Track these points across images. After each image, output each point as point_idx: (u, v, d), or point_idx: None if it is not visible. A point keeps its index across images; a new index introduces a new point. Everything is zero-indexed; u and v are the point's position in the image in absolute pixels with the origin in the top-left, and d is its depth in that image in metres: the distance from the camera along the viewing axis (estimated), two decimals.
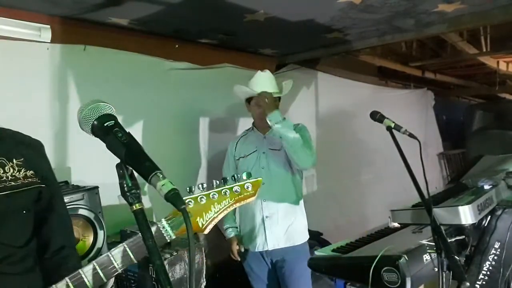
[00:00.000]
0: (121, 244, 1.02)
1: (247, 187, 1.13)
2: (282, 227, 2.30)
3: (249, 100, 2.39)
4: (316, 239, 3.25)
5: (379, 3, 2.30)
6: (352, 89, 4.56)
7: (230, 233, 2.42)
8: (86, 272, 0.99)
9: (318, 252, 1.73)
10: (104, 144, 0.87)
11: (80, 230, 1.94)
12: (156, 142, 2.72)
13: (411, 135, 1.58)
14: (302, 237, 2.36)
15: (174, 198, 0.76)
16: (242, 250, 2.40)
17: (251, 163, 2.34)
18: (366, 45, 3.32)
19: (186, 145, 3.04)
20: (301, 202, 2.40)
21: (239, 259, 2.42)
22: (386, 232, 1.84)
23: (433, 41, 4.85)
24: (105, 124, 0.88)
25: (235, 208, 2.05)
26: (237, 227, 2.45)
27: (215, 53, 3.21)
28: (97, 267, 0.99)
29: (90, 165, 2.33)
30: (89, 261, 1.07)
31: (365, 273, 1.39)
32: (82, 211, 1.94)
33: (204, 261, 2.12)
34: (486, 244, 1.79)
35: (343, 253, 1.63)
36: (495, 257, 1.77)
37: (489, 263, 1.76)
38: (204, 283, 2.11)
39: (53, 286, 0.98)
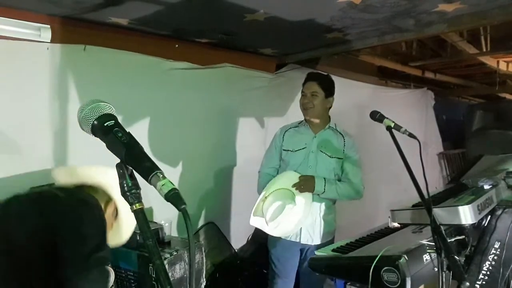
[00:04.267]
0: None
1: None
2: (318, 226, 2.38)
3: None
4: None
5: (379, 3, 2.30)
6: (352, 89, 4.54)
7: None
8: None
9: (318, 252, 1.74)
10: (104, 144, 0.87)
11: None
12: (156, 142, 2.72)
13: (411, 135, 1.58)
14: (329, 235, 2.43)
15: (174, 198, 0.75)
16: None
17: (299, 159, 2.37)
18: (366, 45, 3.31)
19: (186, 145, 3.04)
20: (335, 205, 2.49)
21: None
22: (386, 232, 1.84)
23: (433, 41, 4.84)
24: (105, 124, 0.87)
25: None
26: None
27: (215, 53, 3.21)
28: None
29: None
30: None
31: (365, 273, 1.39)
32: None
33: (204, 261, 2.12)
34: (486, 244, 1.79)
35: (343, 253, 1.64)
36: (495, 257, 1.76)
37: (489, 263, 1.76)
38: (204, 283, 2.11)
39: None
